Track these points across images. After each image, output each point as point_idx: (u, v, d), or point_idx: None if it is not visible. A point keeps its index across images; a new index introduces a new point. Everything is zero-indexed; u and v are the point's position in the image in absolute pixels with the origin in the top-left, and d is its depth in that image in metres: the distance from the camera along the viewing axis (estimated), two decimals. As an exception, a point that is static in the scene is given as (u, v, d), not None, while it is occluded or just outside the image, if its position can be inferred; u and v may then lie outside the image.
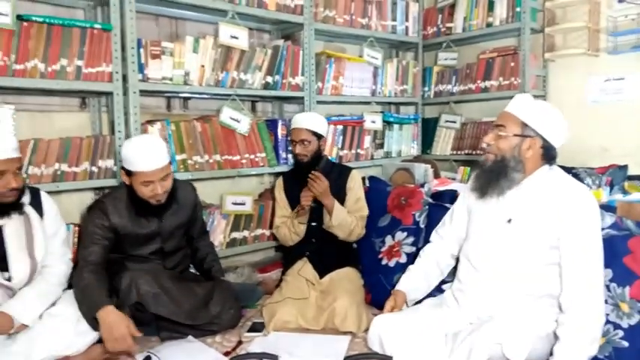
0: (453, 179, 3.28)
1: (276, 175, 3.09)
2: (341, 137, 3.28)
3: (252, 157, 2.86)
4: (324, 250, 2.57)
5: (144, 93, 2.52)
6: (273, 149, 2.95)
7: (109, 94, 2.42)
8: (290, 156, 3.01)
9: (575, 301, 1.65)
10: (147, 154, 2.02)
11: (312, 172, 2.46)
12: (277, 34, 3.25)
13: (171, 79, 2.54)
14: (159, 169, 2.04)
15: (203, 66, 2.63)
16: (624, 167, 2.86)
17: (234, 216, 2.85)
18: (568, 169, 2.96)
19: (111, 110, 2.48)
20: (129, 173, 2.07)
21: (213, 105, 3.02)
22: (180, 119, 2.68)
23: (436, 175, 3.32)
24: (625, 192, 2.63)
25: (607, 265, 1.84)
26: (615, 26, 3.09)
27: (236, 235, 2.87)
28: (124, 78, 2.39)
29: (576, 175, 2.87)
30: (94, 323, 1.90)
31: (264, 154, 2.90)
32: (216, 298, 2.22)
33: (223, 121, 2.74)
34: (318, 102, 3.15)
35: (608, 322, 1.81)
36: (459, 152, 3.67)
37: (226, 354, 2.03)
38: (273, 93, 2.94)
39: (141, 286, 2.04)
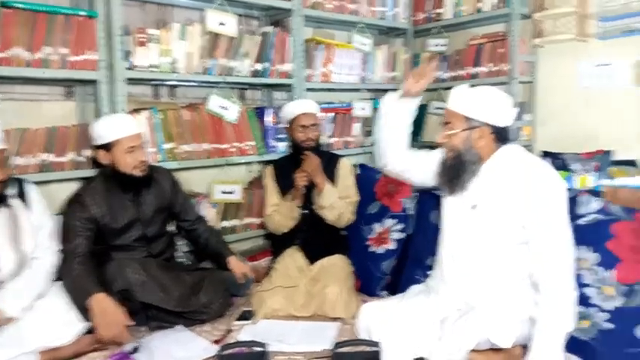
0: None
1: (265, 163, 3.08)
2: (331, 125, 3.27)
3: (241, 145, 2.84)
4: (314, 238, 2.57)
5: (130, 81, 2.48)
6: (262, 137, 2.94)
7: (94, 82, 2.39)
8: (281, 144, 3.00)
9: (546, 279, 1.66)
10: (124, 120, 2.17)
11: (305, 152, 2.48)
12: (266, 21, 3.21)
13: (158, 67, 2.51)
14: (138, 135, 2.16)
15: (191, 53, 2.61)
16: (609, 153, 2.87)
17: (224, 205, 2.84)
18: (555, 155, 2.99)
19: (97, 99, 2.45)
20: (108, 148, 2.09)
21: (202, 93, 2.99)
22: (168, 107, 2.65)
23: (426, 162, 3.31)
24: (611, 177, 2.66)
25: (593, 250, 1.88)
26: (604, 11, 3.09)
27: (225, 223, 2.86)
28: (110, 66, 2.36)
29: (563, 161, 2.88)
30: (85, 313, 1.91)
31: (253, 143, 2.89)
32: (205, 286, 2.22)
33: (211, 110, 2.72)
34: (308, 89, 3.12)
35: (593, 305, 1.85)
36: (448, 139, 3.66)
37: (216, 342, 2.04)
38: (262, 80, 2.92)
39: (128, 274, 2.04)
